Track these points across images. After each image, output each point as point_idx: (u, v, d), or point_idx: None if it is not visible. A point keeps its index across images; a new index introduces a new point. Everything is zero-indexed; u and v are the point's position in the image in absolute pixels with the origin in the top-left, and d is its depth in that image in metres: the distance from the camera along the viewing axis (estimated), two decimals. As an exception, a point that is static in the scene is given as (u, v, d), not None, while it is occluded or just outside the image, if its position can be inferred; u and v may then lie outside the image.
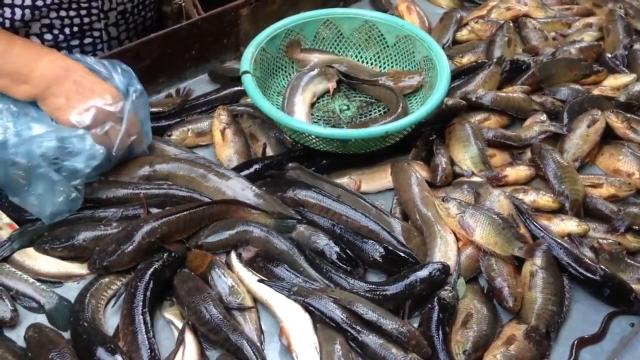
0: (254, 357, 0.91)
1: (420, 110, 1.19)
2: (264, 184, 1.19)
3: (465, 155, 1.26)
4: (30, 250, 1.07)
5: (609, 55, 1.55)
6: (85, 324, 0.95)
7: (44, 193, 1.05)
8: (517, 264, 1.06)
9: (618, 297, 1.05)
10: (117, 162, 1.17)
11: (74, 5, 1.30)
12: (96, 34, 1.38)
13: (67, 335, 0.97)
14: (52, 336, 0.94)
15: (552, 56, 1.54)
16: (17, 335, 0.97)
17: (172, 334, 0.98)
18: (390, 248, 1.07)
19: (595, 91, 1.45)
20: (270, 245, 1.06)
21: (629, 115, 1.35)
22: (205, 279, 1.02)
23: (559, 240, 1.09)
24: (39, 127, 1.07)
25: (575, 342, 1.00)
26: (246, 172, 1.21)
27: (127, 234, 1.03)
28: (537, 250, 1.05)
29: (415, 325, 0.99)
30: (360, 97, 1.42)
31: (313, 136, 1.19)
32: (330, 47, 1.45)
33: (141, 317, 0.95)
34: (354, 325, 0.94)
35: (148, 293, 0.98)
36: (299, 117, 1.30)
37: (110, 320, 1.00)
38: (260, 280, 1.02)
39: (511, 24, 1.63)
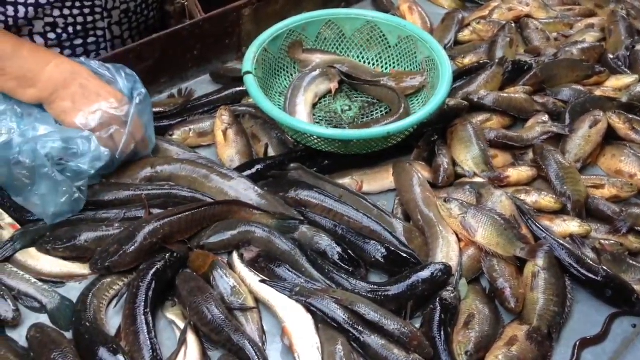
0: (256, 357, 0.91)
1: (422, 111, 1.18)
2: (266, 184, 1.19)
3: (467, 156, 1.25)
4: (33, 250, 1.07)
5: (611, 56, 1.54)
6: (88, 324, 0.95)
7: (47, 193, 1.05)
8: (519, 264, 1.06)
9: (620, 298, 1.05)
10: (119, 165, 1.17)
11: (77, 4, 1.31)
12: (99, 33, 1.39)
13: (69, 335, 0.97)
14: (54, 336, 0.95)
15: (554, 57, 1.53)
16: (19, 335, 0.97)
17: (174, 334, 0.98)
18: (392, 249, 1.07)
19: (597, 92, 1.45)
20: (272, 246, 1.06)
21: (631, 116, 1.35)
22: (207, 280, 1.02)
23: (561, 241, 1.09)
24: (44, 127, 1.08)
25: (577, 343, 1.00)
26: (248, 172, 1.21)
27: (129, 235, 1.03)
28: (539, 251, 1.05)
29: (417, 325, 0.99)
30: (362, 97, 1.42)
31: (315, 137, 1.19)
32: (332, 48, 1.45)
33: (143, 317, 0.95)
34: (355, 326, 0.94)
35: (150, 293, 0.98)
36: (300, 118, 1.30)
37: (113, 321, 1.00)
38: (262, 281, 1.02)
39: (513, 25, 1.62)
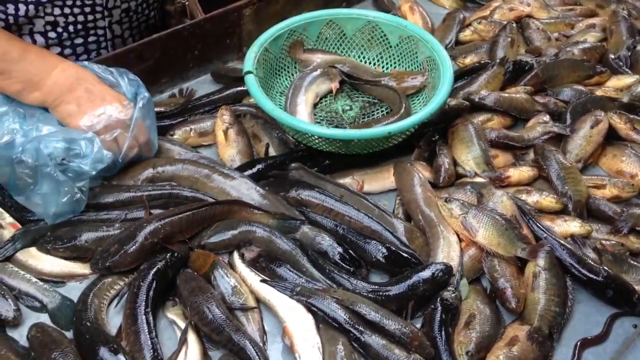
0: (257, 357, 0.91)
1: (423, 111, 1.18)
2: (267, 184, 1.19)
3: (468, 156, 1.25)
4: (33, 249, 1.07)
5: (612, 56, 1.54)
6: (88, 323, 0.95)
7: (49, 193, 1.05)
8: (520, 264, 1.06)
9: (621, 299, 1.04)
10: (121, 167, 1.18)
11: (78, 2, 1.31)
12: (100, 32, 1.39)
13: (69, 335, 0.97)
14: (55, 336, 0.95)
15: (555, 57, 1.53)
16: (20, 335, 0.97)
17: (174, 334, 0.98)
18: (393, 249, 1.07)
19: (599, 92, 1.45)
20: (273, 246, 1.06)
21: (632, 116, 1.35)
22: (208, 279, 1.02)
23: (562, 241, 1.09)
24: (47, 128, 1.09)
25: (578, 344, 1.00)
26: (249, 172, 1.21)
27: (129, 234, 1.03)
28: (540, 251, 1.05)
29: (418, 326, 0.99)
30: (363, 97, 1.42)
31: (316, 136, 1.19)
32: (333, 48, 1.45)
33: (144, 317, 0.95)
34: (356, 326, 0.94)
35: (151, 293, 0.98)
36: (301, 118, 1.30)
37: (113, 320, 1.00)
38: (263, 281, 1.02)
39: (514, 25, 1.62)
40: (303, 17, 1.39)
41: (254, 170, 1.22)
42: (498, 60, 1.47)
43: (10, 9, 1.27)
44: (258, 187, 1.15)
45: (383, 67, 1.45)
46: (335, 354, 0.92)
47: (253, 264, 1.05)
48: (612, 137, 1.33)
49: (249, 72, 1.26)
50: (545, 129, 1.32)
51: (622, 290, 1.04)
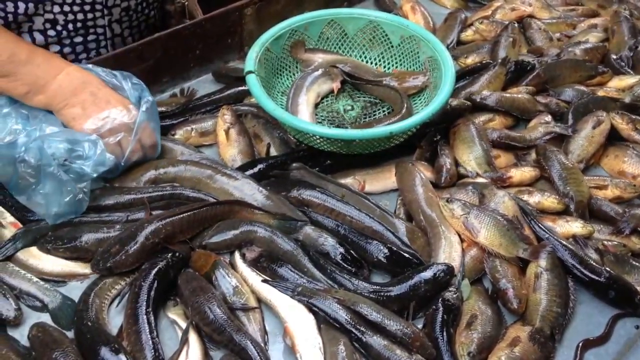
0: (258, 357, 0.91)
1: (424, 111, 1.18)
2: (268, 184, 1.19)
3: (469, 156, 1.25)
4: (34, 249, 1.07)
5: (614, 57, 1.54)
6: (89, 323, 0.95)
7: (51, 192, 1.05)
8: (522, 265, 1.06)
9: (623, 299, 1.04)
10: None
11: (78, 0, 1.31)
12: (100, 30, 1.38)
13: (70, 334, 0.96)
14: (56, 335, 0.94)
15: (556, 57, 1.53)
16: (21, 335, 0.97)
17: (175, 334, 0.98)
18: (395, 249, 1.07)
19: (600, 92, 1.44)
20: (274, 246, 1.06)
21: (634, 117, 1.34)
22: (209, 279, 1.02)
23: (564, 242, 1.09)
24: (50, 129, 1.09)
25: (580, 344, 0.99)
26: (250, 172, 1.21)
27: (130, 235, 1.03)
28: (541, 251, 1.04)
29: (420, 326, 0.99)
30: (364, 97, 1.41)
31: (317, 136, 1.19)
32: (335, 47, 1.45)
33: (145, 317, 0.95)
34: (358, 326, 0.94)
35: (152, 293, 0.98)
36: (303, 117, 1.30)
37: (114, 320, 0.99)
38: (264, 281, 1.02)
39: (516, 25, 1.62)
40: (304, 17, 1.39)
41: (255, 170, 1.22)
42: (500, 61, 1.47)
43: (10, 6, 1.27)
44: (261, 188, 1.15)
45: (384, 67, 1.45)
46: (336, 354, 0.92)
47: (254, 264, 1.05)
48: (614, 138, 1.33)
49: (250, 72, 1.25)
50: (547, 130, 1.32)
51: (624, 291, 1.04)
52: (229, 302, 0.99)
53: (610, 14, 1.68)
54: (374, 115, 1.37)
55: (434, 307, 0.99)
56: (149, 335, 0.93)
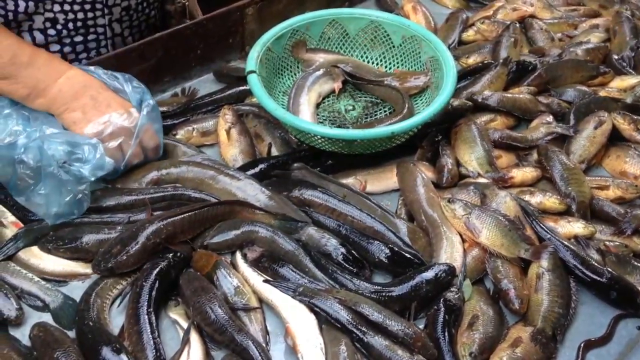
0: (260, 357, 0.91)
1: (426, 111, 1.18)
2: (270, 183, 1.19)
3: (471, 156, 1.25)
4: (35, 249, 1.07)
5: (616, 57, 1.54)
6: (91, 323, 0.95)
7: (51, 192, 1.05)
8: (524, 266, 1.06)
9: (625, 300, 1.04)
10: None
11: None
12: (100, 30, 1.38)
13: (72, 334, 0.96)
14: (57, 335, 0.94)
15: (558, 57, 1.53)
16: (22, 334, 0.97)
17: (177, 334, 0.98)
18: (396, 249, 1.07)
19: (602, 93, 1.44)
20: (275, 246, 1.06)
21: (635, 117, 1.34)
22: (210, 279, 1.02)
23: (566, 243, 1.09)
24: (50, 130, 1.09)
25: (582, 345, 0.99)
26: (251, 171, 1.21)
27: (131, 235, 1.03)
28: (543, 252, 1.04)
29: (421, 326, 0.99)
30: (365, 97, 1.41)
31: (318, 136, 1.19)
32: (336, 47, 1.44)
33: (146, 317, 0.95)
34: (359, 327, 0.94)
35: (153, 293, 0.97)
36: (304, 117, 1.30)
37: (116, 320, 0.99)
38: (266, 281, 1.02)
39: (517, 25, 1.62)
40: (306, 17, 1.39)
41: (257, 170, 1.22)
42: (501, 61, 1.47)
43: (10, 5, 1.27)
44: (264, 189, 1.15)
45: (386, 67, 1.44)
46: (338, 354, 0.92)
47: (255, 264, 1.05)
48: (615, 138, 1.33)
49: (252, 72, 1.25)
50: (549, 130, 1.32)
51: (626, 292, 1.04)
52: (230, 302, 0.99)
53: (611, 14, 1.68)
54: (376, 115, 1.37)
55: (436, 307, 0.99)
56: (150, 335, 0.93)
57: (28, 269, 1.05)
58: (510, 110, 1.37)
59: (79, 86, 1.12)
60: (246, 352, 0.92)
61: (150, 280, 0.98)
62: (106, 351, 0.90)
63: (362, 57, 1.45)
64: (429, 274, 1.01)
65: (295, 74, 1.42)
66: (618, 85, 1.48)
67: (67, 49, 1.38)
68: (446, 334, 0.96)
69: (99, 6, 1.34)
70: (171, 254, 1.03)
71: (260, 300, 1.02)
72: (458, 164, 1.26)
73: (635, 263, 1.09)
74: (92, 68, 1.18)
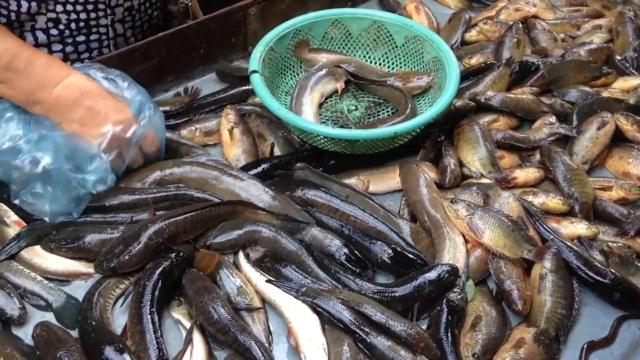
0: (262, 357, 0.91)
1: (429, 111, 1.18)
2: (272, 183, 1.19)
3: (474, 157, 1.25)
4: (38, 248, 1.07)
5: (619, 58, 1.54)
6: (94, 322, 0.95)
7: (51, 191, 1.05)
8: (527, 266, 1.06)
9: (628, 301, 1.04)
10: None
11: (81, 0, 1.31)
12: (102, 30, 1.38)
13: (74, 333, 0.96)
14: (60, 335, 0.94)
15: (561, 58, 1.53)
16: (25, 334, 0.97)
17: (180, 333, 0.98)
18: (399, 249, 1.07)
19: (605, 93, 1.44)
20: (278, 246, 1.06)
21: (638, 118, 1.34)
22: (213, 279, 1.02)
23: (569, 243, 1.09)
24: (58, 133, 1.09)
25: (585, 346, 0.99)
26: (254, 171, 1.21)
27: (134, 235, 1.02)
28: (546, 253, 1.04)
29: (424, 327, 0.98)
30: (368, 97, 1.41)
31: (321, 136, 1.19)
32: (339, 47, 1.44)
33: (149, 316, 0.95)
34: (362, 327, 0.94)
35: (156, 292, 0.97)
36: (307, 117, 1.30)
37: (118, 320, 0.99)
38: (269, 281, 1.01)
39: (520, 25, 1.62)
40: (308, 17, 1.39)
41: (259, 169, 1.22)
42: (504, 61, 1.46)
43: (13, 5, 1.27)
44: (267, 189, 1.14)
45: (389, 67, 1.44)
46: (341, 354, 0.92)
47: (258, 264, 1.05)
48: (618, 139, 1.33)
49: (255, 72, 1.25)
50: (552, 130, 1.32)
51: (629, 293, 1.04)
52: (233, 302, 0.99)
53: (614, 15, 1.68)
54: (378, 115, 1.37)
55: (439, 308, 0.98)
56: (153, 335, 0.93)
57: (31, 268, 1.05)
58: (513, 110, 1.37)
59: (77, 95, 1.09)
60: (249, 352, 0.92)
61: (153, 280, 0.98)
62: (109, 351, 0.90)
63: (364, 57, 1.45)
64: (432, 275, 1.00)
65: (298, 74, 1.42)
66: (621, 86, 1.48)
67: (69, 48, 1.38)
68: (449, 334, 0.95)
69: (101, 7, 1.34)
70: (174, 254, 1.03)
71: (263, 300, 1.02)
72: (461, 164, 1.26)
73: (639, 264, 1.09)
74: (91, 71, 1.15)
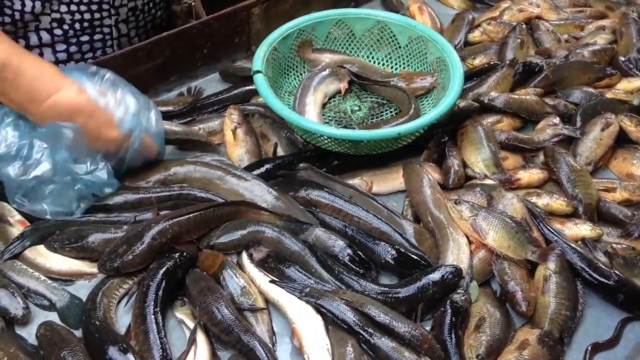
0: (266, 358, 0.91)
1: (433, 112, 1.18)
2: (275, 184, 1.19)
3: (477, 158, 1.25)
4: (42, 247, 1.07)
5: (622, 59, 1.53)
6: (97, 322, 0.95)
7: (54, 187, 1.05)
8: (530, 268, 1.06)
9: (632, 303, 1.04)
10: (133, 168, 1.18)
11: (85, 0, 1.31)
12: (106, 30, 1.38)
13: (78, 333, 0.96)
14: (64, 334, 0.94)
15: (565, 59, 1.52)
16: (29, 333, 0.97)
17: (183, 333, 0.98)
18: (402, 250, 1.06)
19: (609, 94, 1.44)
20: (282, 246, 1.05)
21: (642, 119, 1.34)
22: (217, 280, 1.02)
23: (573, 245, 1.08)
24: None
25: (589, 348, 0.99)
26: (257, 171, 1.21)
27: (137, 235, 1.02)
28: (550, 254, 1.04)
29: (428, 328, 0.98)
30: (371, 98, 1.41)
31: (324, 137, 1.19)
32: (342, 48, 1.44)
33: (153, 316, 0.95)
34: (366, 328, 0.94)
35: (160, 293, 0.97)
36: (310, 118, 1.30)
37: (122, 320, 0.99)
38: (272, 281, 1.01)
39: (524, 26, 1.61)
40: (312, 17, 1.39)
41: (263, 169, 1.22)
42: (507, 62, 1.46)
43: (17, 4, 1.27)
44: (271, 189, 1.14)
45: (392, 67, 1.44)
46: (344, 355, 0.92)
47: (262, 265, 1.05)
48: (622, 140, 1.33)
49: (258, 72, 1.25)
50: (555, 131, 1.32)
51: (633, 295, 1.04)
52: (236, 302, 0.99)
53: (618, 16, 1.67)
54: (382, 115, 1.37)
55: (442, 309, 0.98)
56: (156, 335, 0.93)
57: (34, 268, 1.04)
58: (516, 111, 1.37)
59: (66, 114, 1.02)
60: (252, 353, 0.92)
61: (157, 280, 0.98)
62: (113, 351, 0.90)
63: (368, 57, 1.45)
64: (436, 276, 1.00)
65: (301, 74, 1.42)
66: (625, 87, 1.47)
67: (73, 48, 1.38)
68: (453, 335, 0.95)
69: (105, 7, 1.34)
70: (177, 254, 1.03)
71: (267, 300, 1.01)
72: (464, 165, 1.25)
73: (643, 266, 1.09)
74: (83, 78, 1.07)
